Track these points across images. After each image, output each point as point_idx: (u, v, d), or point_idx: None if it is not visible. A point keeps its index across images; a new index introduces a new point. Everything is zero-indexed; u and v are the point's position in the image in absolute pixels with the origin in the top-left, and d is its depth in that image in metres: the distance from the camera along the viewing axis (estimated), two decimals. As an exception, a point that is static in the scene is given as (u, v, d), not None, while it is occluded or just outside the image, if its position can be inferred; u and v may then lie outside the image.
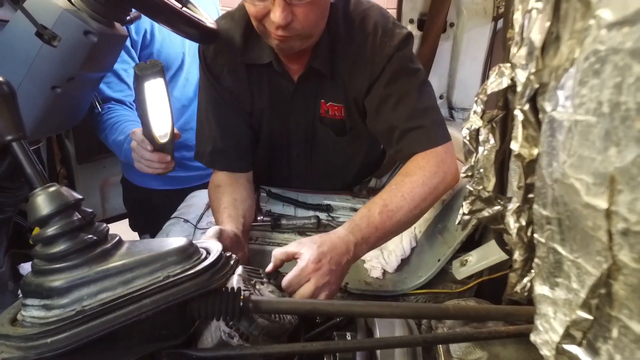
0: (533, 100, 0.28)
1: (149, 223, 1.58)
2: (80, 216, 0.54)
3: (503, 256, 0.75)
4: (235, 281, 0.65)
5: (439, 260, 0.96)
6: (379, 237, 0.83)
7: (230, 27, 1.00)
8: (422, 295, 0.99)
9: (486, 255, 0.81)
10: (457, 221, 0.50)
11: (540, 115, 0.27)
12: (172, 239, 0.61)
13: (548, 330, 0.28)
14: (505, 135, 0.44)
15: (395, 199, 0.84)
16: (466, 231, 0.89)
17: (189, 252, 0.56)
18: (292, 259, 0.76)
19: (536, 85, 0.27)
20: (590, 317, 0.24)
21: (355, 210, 1.28)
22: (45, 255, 0.52)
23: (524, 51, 0.29)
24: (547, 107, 0.25)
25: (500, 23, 1.42)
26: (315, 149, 1.19)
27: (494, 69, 0.40)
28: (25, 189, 1.16)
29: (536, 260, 0.28)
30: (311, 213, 1.23)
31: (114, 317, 0.49)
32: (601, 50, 0.20)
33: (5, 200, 1.02)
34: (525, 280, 0.32)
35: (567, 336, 0.26)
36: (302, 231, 1.14)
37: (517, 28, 0.33)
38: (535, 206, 0.27)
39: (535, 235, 0.28)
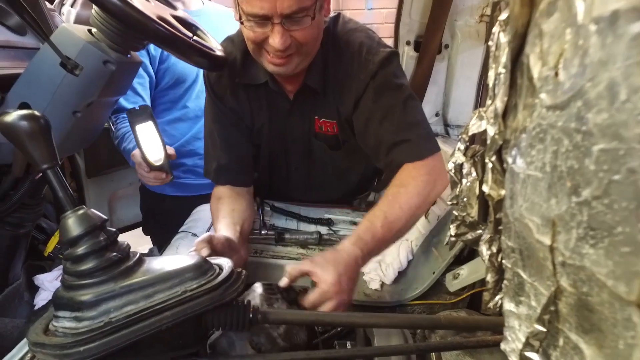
0: (499, 152, 0.34)
1: (162, 227, 1.66)
2: (105, 236, 0.60)
3: (492, 270, 0.80)
4: (257, 299, 0.71)
5: (433, 273, 1.01)
6: (381, 248, 0.88)
7: (231, 50, 1.06)
8: (417, 306, 1.04)
9: (476, 269, 0.87)
10: (445, 242, 0.56)
11: (505, 165, 0.33)
12: (187, 257, 0.67)
13: (514, 340, 0.33)
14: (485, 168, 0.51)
15: (394, 211, 0.88)
16: (458, 246, 0.94)
17: (204, 268, 0.62)
18: (305, 276, 0.80)
19: (500, 142, 0.33)
20: (544, 329, 0.30)
21: (355, 223, 1.34)
22: (75, 272, 0.58)
23: (492, 109, 0.35)
24: (509, 159, 0.31)
25: (492, 45, 1.49)
26: (312, 163, 1.24)
27: (474, 112, 0.46)
28: (42, 205, 1.22)
29: (505, 282, 0.34)
30: (313, 227, 1.29)
31: (138, 328, 0.54)
32: (543, 124, 0.26)
33: (25, 216, 1.09)
34: (497, 298, 0.38)
35: (528, 345, 0.31)
36: (304, 245, 1.20)
37: (490, 84, 0.40)
38: (502, 237, 0.33)
39: (503, 261, 0.34)
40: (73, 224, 0.58)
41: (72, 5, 1.64)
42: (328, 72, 1.02)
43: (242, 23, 0.87)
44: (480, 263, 0.89)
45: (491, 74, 0.40)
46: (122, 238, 0.64)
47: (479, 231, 0.48)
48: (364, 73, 0.97)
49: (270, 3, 0.79)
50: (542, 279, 0.30)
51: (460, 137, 0.48)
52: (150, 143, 1.24)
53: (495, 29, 0.41)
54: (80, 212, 0.59)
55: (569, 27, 0.23)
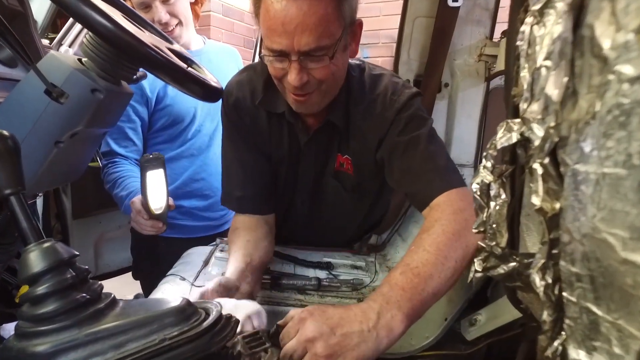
0: (553, 153, 0.27)
1: (154, 270, 1.57)
2: (73, 274, 0.52)
3: (516, 314, 0.71)
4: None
5: (446, 319, 0.92)
6: (412, 299, 0.70)
7: (252, 77, 1.06)
8: (429, 357, 0.93)
9: (497, 314, 0.77)
10: (468, 279, 0.48)
11: (562, 169, 0.27)
12: (169, 299, 0.58)
13: (588, 401, 0.25)
14: (514, 190, 0.44)
15: (416, 256, 0.75)
16: (474, 289, 0.86)
17: (188, 312, 0.53)
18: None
19: (556, 139, 0.27)
20: (639, 387, 0.22)
21: (356, 267, 1.25)
22: (31, 317, 0.49)
23: (537, 106, 0.29)
24: (569, 160, 0.24)
25: (492, 83, 1.48)
26: (320, 202, 1.19)
27: (501, 124, 0.40)
28: (16, 244, 1.12)
29: (567, 321, 0.27)
30: (311, 271, 1.20)
31: (102, 387, 0.45)
32: (625, 103, 0.20)
33: (-5, 256, 0.99)
34: (556, 343, 0.30)
35: (613, 408, 0.23)
36: (302, 290, 1.10)
37: (525, 85, 0.34)
38: (562, 262, 0.26)
39: (564, 293, 0.26)
40: (35, 259, 0.50)
41: (70, 45, 1.64)
42: (351, 111, 1.02)
43: (261, 58, 0.88)
44: (500, 306, 0.80)
45: (525, 75, 0.34)
46: (109, 284, 0.56)
47: (513, 263, 0.41)
48: (389, 111, 0.97)
49: (288, 40, 0.78)
50: (630, 314, 0.22)
51: (485, 153, 0.42)
52: (155, 191, 1.24)
53: (525, 27, 0.36)
54: (46, 245, 0.51)
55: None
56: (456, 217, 0.79)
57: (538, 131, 0.28)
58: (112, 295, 0.55)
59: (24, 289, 1.13)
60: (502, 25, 1.44)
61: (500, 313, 0.77)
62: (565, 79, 0.25)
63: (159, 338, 0.49)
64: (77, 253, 0.55)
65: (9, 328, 1.09)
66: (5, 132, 0.53)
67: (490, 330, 0.85)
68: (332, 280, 1.14)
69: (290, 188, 1.18)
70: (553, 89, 0.26)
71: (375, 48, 3.46)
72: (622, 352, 0.22)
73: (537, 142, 0.28)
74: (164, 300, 0.57)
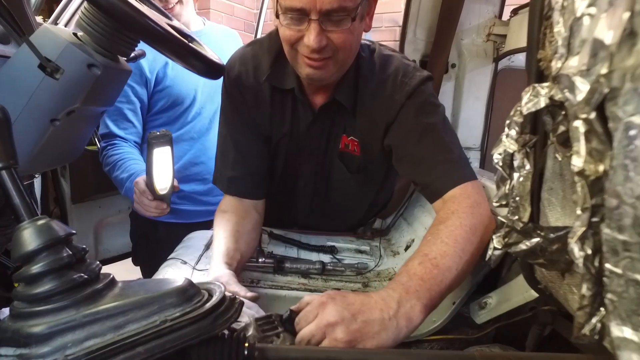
0: (600, 108, 0.24)
1: (154, 256, 1.56)
2: (70, 252, 0.49)
3: (528, 297, 0.69)
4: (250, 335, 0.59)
5: (454, 304, 0.90)
6: (431, 290, 0.69)
7: (258, 52, 1.02)
8: (436, 341, 0.92)
9: (508, 297, 0.75)
10: (486, 257, 0.45)
11: (611, 124, 0.24)
12: (171, 279, 0.55)
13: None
14: (537, 163, 0.41)
15: (434, 247, 0.74)
16: (483, 271, 0.83)
17: (190, 293, 0.51)
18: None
19: (606, 90, 0.24)
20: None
21: (360, 251, 1.23)
22: (27, 296, 0.47)
23: (577, 60, 0.26)
24: (621, 113, 0.21)
25: (501, 64, 1.44)
26: (325, 184, 1.16)
27: (526, 90, 0.37)
28: (12, 227, 1.10)
29: (609, 295, 0.24)
30: (315, 254, 1.18)
31: (101, 368, 0.43)
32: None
33: (-8, 239, 0.97)
34: (594, 320, 0.27)
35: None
36: (306, 274, 1.08)
37: (560, 41, 0.31)
38: (606, 230, 0.23)
39: (607, 265, 0.24)
40: (30, 236, 0.48)
41: (66, 25, 1.59)
42: (359, 91, 0.99)
43: (278, 18, 0.83)
44: (512, 289, 0.77)
45: (559, 30, 0.31)
46: (109, 270, 0.54)
47: (536, 239, 0.38)
48: (399, 94, 0.94)
49: None
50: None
51: (509, 121, 0.39)
52: (161, 170, 1.19)
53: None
54: (41, 222, 0.49)
55: None
56: (473, 211, 0.78)
57: (582, 85, 0.25)
58: (111, 276, 0.53)
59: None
60: (510, 5, 1.40)
61: (512, 295, 0.74)
62: (626, 15, 0.22)
63: (160, 319, 0.47)
64: (74, 231, 0.53)
65: (6, 312, 1.07)
66: (-6, 104, 0.50)
67: (500, 315, 0.83)
68: (336, 264, 1.12)
69: (293, 169, 1.15)
70: (606, 31, 0.23)
71: (378, 32, 3.39)
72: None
73: (580, 97, 0.25)
74: (165, 281, 0.54)
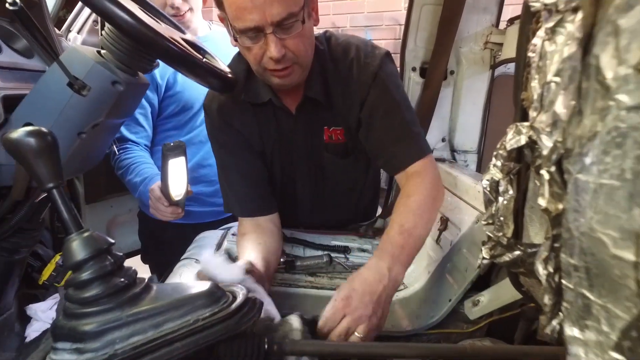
0: (558, 163, 0.31)
1: (162, 255, 1.61)
2: (112, 260, 0.56)
3: (516, 296, 0.76)
4: (295, 334, 0.66)
5: (449, 301, 0.97)
6: (408, 255, 0.87)
7: (236, 70, 1.06)
8: (434, 335, 0.99)
9: (498, 295, 0.83)
10: (476, 265, 0.52)
11: (566, 176, 0.30)
12: (197, 282, 0.63)
13: (581, 372, 0.30)
14: (520, 186, 0.48)
15: (408, 218, 0.89)
16: (476, 272, 0.91)
17: (217, 295, 0.58)
18: None
19: (562, 151, 0.30)
20: (623, 359, 0.26)
21: (363, 250, 1.30)
22: (78, 299, 0.54)
23: (545, 117, 0.33)
24: (572, 170, 0.28)
25: (497, 71, 1.50)
26: (321, 178, 1.21)
27: (510, 127, 0.44)
28: (40, 231, 1.17)
29: (564, 304, 0.31)
30: (321, 253, 1.24)
31: (145, 360, 0.50)
32: (622, 127, 0.24)
33: (21, 241, 1.04)
34: (554, 322, 0.35)
35: (601, 377, 0.28)
36: (313, 272, 1.16)
37: (535, 95, 0.37)
38: (562, 255, 0.30)
39: (563, 281, 0.31)
40: (78, 247, 0.55)
41: (78, 32, 1.65)
42: (329, 82, 1.04)
43: (237, 42, 0.89)
44: (502, 288, 0.85)
45: (535, 85, 0.38)
46: None
47: (517, 252, 0.45)
48: (365, 75, 1.01)
49: (260, 14, 0.80)
50: (617, 300, 0.26)
51: (495, 153, 0.46)
52: (176, 178, 1.26)
53: (537, 40, 0.39)
54: (86, 234, 0.56)
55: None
56: (433, 185, 0.96)
57: (547, 142, 0.32)
58: (146, 280, 0.60)
59: (47, 272, 1.19)
60: (507, 13, 1.45)
61: (502, 294, 0.82)
62: (573, 102, 0.29)
63: (193, 319, 0.54)
64: (113, 241, 0.59)
65: (35, 308, 1.15)
66: (44, 129, 0.56)
67: (492, 310, 0.90)
68: (344, 262, 1.19)
69: (290, 174, 1.20)
70: (562, 108, 0.30)
71: (379, 30, 3.42)
72: (609, 330, 0.27)
73: (545, 152, 0.32)
74: (193, 284, 0.61)
